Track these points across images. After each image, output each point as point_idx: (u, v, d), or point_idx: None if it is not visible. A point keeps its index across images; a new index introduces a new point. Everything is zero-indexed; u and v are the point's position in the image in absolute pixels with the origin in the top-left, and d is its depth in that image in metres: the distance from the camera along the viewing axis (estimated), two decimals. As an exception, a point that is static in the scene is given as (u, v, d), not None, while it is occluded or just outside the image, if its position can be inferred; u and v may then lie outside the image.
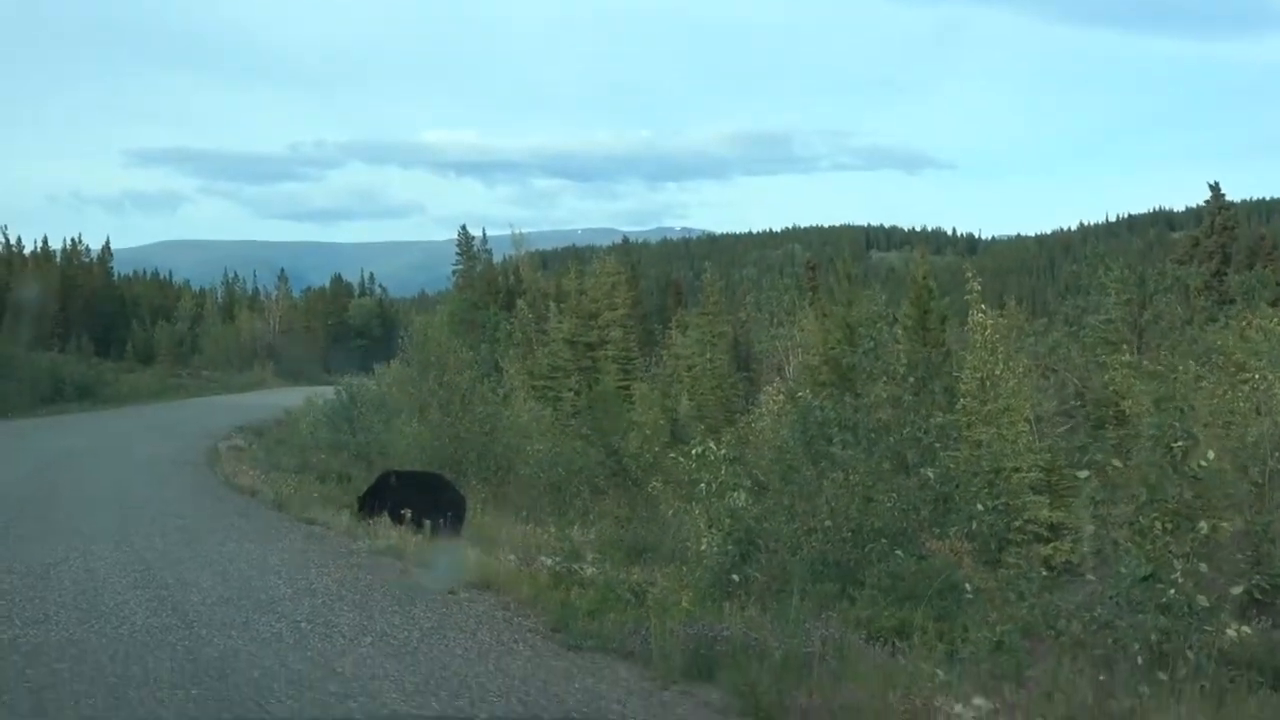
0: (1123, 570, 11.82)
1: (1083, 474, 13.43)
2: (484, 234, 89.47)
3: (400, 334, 70.46)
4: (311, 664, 10.98)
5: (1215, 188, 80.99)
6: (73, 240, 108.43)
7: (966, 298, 37.11)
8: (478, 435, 37.06)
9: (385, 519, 22.10)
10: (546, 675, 10.88)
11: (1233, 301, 66.02)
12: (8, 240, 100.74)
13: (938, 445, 19.38)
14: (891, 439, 19.44)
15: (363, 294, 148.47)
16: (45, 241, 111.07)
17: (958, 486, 19.16)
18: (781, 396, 46.34)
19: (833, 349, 41.51)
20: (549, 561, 17.68)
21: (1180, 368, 35.44)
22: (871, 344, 20.19)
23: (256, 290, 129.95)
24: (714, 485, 18.33)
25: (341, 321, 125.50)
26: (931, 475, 18.44)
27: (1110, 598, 12.22)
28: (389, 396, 48.06)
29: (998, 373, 32.75)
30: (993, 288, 72.58)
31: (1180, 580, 11.61)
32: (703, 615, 12.74)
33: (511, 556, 18.32)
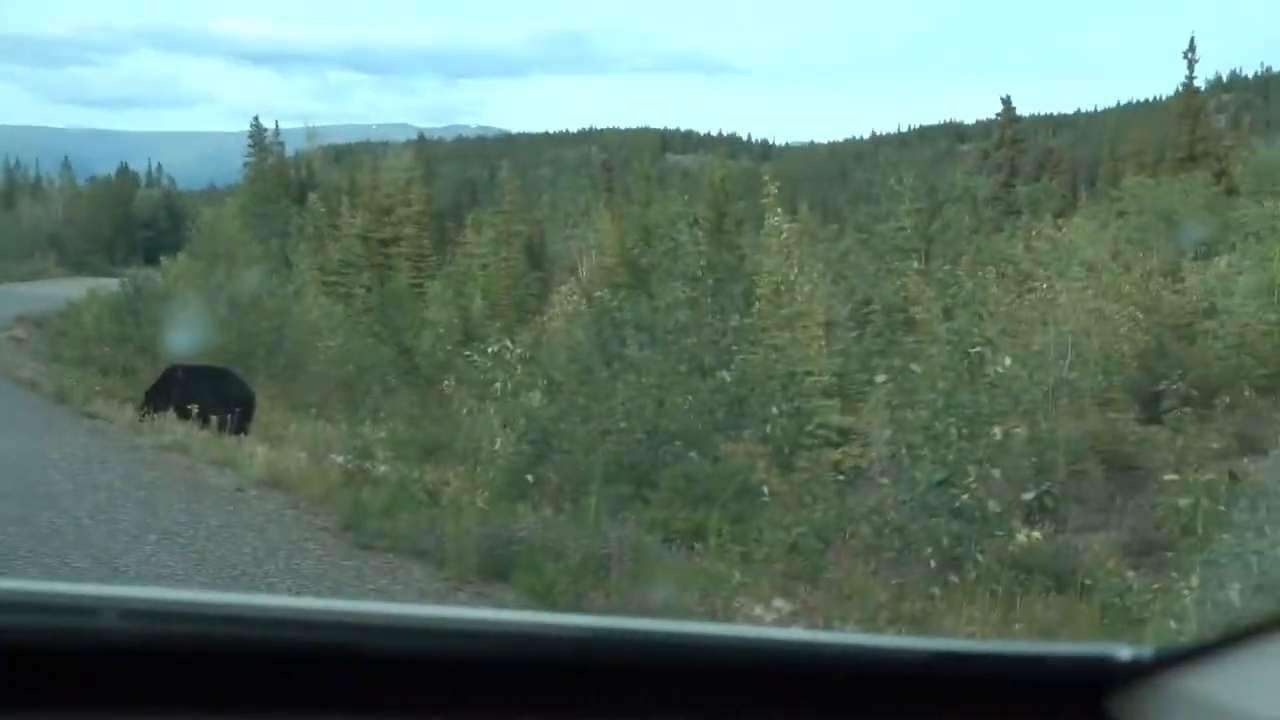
0: (918, 475, 11.92)
1: (880, 378, 13.51)
2: (277, 126, 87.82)
3: (189, 226, 69.30)
4: (94, 561, 10.65)
5: (1006, 101, 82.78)
6: None
7: (763, 201, 37.28)
8: (266, 331, 36.39)
9: (171, 415, 21.63)
10: (338, 574, 10.68)
11: (1019, 213, 67.58)
12: None
13: (734, 348, 19.43)
14: (689, 341, 19.44)
15: (150, 185, 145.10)
16: None
17: (753, 390, 19.22)
18: (576, 297, 46.25)
19: (629, 250, 41.53)
20: (340, 460, 17.41)
21: (976, 274, 36.07)
22: (671, 244, 20.07)
23: (39, 178, 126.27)
24: (509, 385, 18.17)
25: (127, 212, 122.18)
26: (728, 378, 18.46)
27: (904, 502, 12.34)
28: (176, 290, 47.00)
29: (792, 278, 32.96)
30: (786, 194, 73.05)
31: (974, 485, 11.74)
32: (497, 516, 12.60)
33: (302, 454, 18.01)
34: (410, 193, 64.18)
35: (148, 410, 21.84)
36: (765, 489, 13.33)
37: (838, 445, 26.19)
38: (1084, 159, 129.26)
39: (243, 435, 21.43)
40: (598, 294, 24.10)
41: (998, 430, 11.97)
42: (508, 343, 18.64)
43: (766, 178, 38.66)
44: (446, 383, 34.95)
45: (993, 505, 11.78)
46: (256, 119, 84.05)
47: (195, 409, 21.89)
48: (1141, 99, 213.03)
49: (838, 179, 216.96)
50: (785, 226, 35.22)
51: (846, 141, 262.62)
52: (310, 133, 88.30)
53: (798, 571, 11.35)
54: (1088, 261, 33.86)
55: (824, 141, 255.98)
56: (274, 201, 70.22)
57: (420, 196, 65.69)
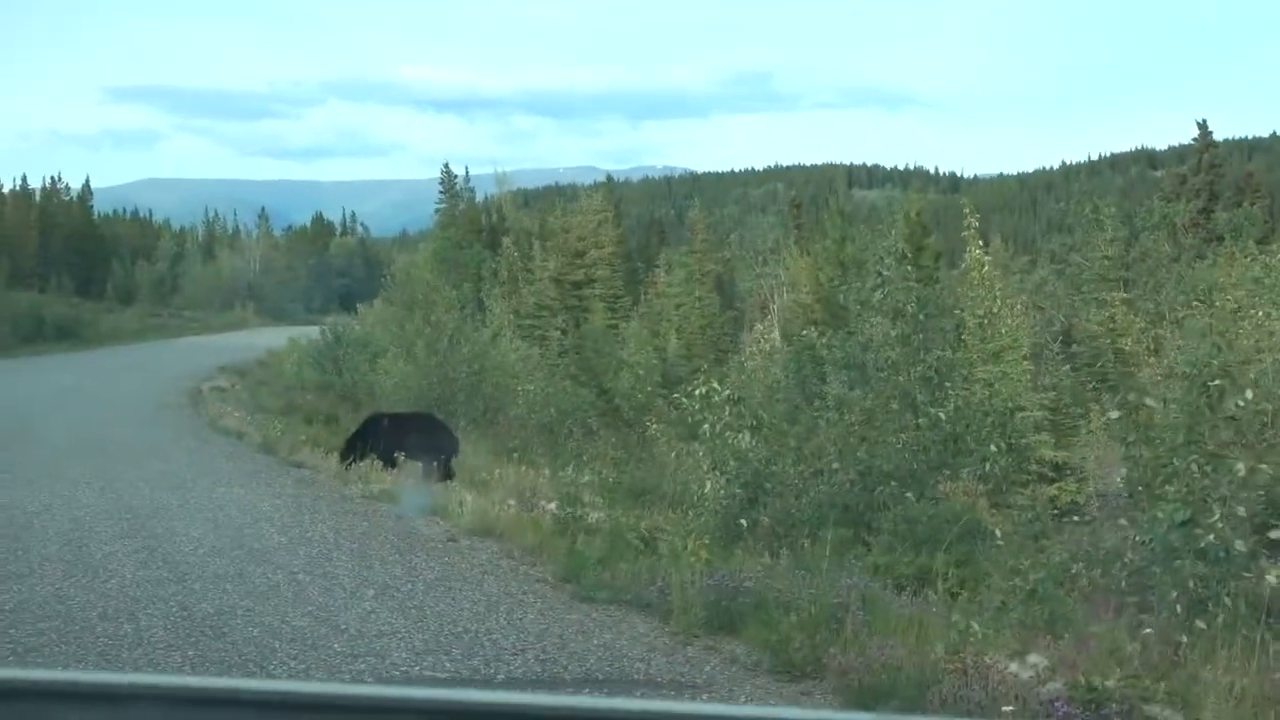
0: (1159, 514, 11.26)
1: (1113, 414, 12.89)
2: (466, 172, 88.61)
3: (383, 273, 70.06)
4: (313, 620, 10.41)
5: (1203, 125, 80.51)
6: (52, 179, 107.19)
7: (964, 234, 36.56)
8: (466, 375, 36.40)
9: (373, 463, 21.56)
10: (562, 630, 10.33)
11: (1220, 239, 65.65)
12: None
13: (948, 384, 18.87)
14: (900, 378, 18.91)
15: (344, 233, 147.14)
16: (24, 180, 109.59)
17: (968, 427, 18.63)
18: (773, 335, 45.83)
19: (826, 286, 40.98)
20: (551, 507, 17.15)
21: (1193, 304, 35.04)
22: (880, 279, 19.58)
23: (237, 229, 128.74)
24: (718, 426, 17.76)
25: (323, 261, 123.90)
26: (942, 415, 17.89)
27: (1145, 543, 11.70)
28: (373, 336, 47.45)
29: (995, 310, 32.23)
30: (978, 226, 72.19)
31: (1220, 525, 11.08)
32: (717, 563, 12.20)
33: (511, 502, 17.79)
34: (602, 234, 64.26)
35: (350, 459, 21.82)
36: (997, 531, 12.77)
37: (1052, 481, 25.51)
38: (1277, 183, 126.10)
39: (448, 483, 21.33)
40: (804, 332, 23.56)
41: (1241, 466, 11.27)
42: (715, 384, 18.20)
43: (966, 210, 37.85)
44: (649, 424, 34.80)
45: (1239, 545, 11.09)
46: (447, 165, 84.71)
47: (401, 456, 21.90)
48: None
49: (1028, 210, 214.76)
50: (986, 258, 34.54)
51: (1036, 172, 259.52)
52: (499, 178, 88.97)
53: (1036, 620, 10.78)
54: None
55: (1013, 172, 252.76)
56: (466, 247, 70.70)
57: (611, 238, 65.73)
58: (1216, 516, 11.27)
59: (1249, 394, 11.95)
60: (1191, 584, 11.10)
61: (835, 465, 17.68)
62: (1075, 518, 24.40)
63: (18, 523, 14.90)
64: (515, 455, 29.90)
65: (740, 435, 17.80)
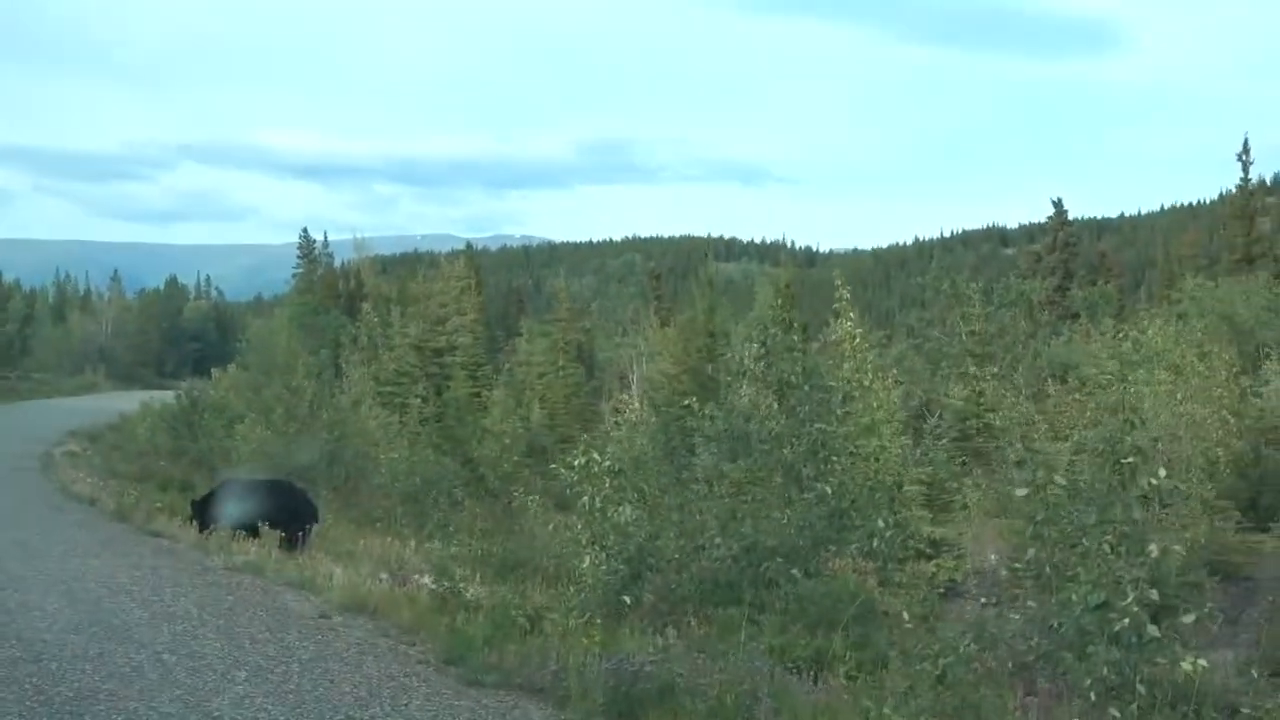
0: (1074, 598, 10.84)
1: (1020, 491, 12.50)
2: (325, 237, 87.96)
3: (239, 338, 69.10)
4: (183, 705, 9.62)
5: (1058, 204, 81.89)
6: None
7: (835, 305, 36.33)
8: (327, 442, 35.58)
9: (235, 533, 20.75)
10: (451, 718, 9.65)
11: (1076, 316, 66.52)
12: None
13: (834, 458, 18.44)
14: (784, 451, 18.45)
15: (198, 297, 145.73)
16: None
17: (853, 502, 18.20)
18: (637, 405, 45.31)
19: (694, 356, 40.63)
20: (425, 581, 16.48)
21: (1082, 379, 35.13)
22: (763, 350, 19.15)
23: (89, 291, 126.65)
24: (596, 499, 17.16)
25: (175, 325, 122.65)
26: (829, 489, 17.45)
27: (1055, 627, 11.28)
28: (229, 401, 46.45)
29: (866, 383, 31.97)
30: (829, 300, 72.76)
31: (1134, 609, 10.69)
32: (607, 643, 11.59)
33: (384, 575, 17.08)
34: (464, 301, 63.62)
35: (210, 528, 21.00)
36: (905, 614, 12.26)
37: (930, 558, 25.19)
38: (1129, 262, 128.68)
39: (301, 551, 20.61)
40: (684, 402, 23.02)
41: (1154, 547, 10.89)
42: (595, 454, 17.60)
43: (839, 281, 37.67)
44: (518, 496, 34.12)
45: (1153, 630, 10.70)
46: (305, 230, 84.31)
47: (263, 525, 21.15)
48: (1185, 202, 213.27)
49: (882, 284, 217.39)
50: (857, 331, 34.28)
51: (890, 247, 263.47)
52: (358, 243, 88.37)
53: (945, 706, 10.29)
54: (1174, 363, 32.79)
55: (868, 247, 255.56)
56: (323, 312, 69.95)
57: (474, 305, 65.15)
58: (1130, 599, 10.89)
59: (1162, 472, 11.62)
60: (1105, 670, 10.70)
61: (717, 540, 17.12)
62: (961, 596, 24.15)
63: None
64: (379, 525, 29.21)
65: (621, 508, 17.22)
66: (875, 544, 17.06)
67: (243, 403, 45.91)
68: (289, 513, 21.80)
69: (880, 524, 17.01)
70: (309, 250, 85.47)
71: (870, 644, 13.32)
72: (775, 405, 19.03)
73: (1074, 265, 79.49)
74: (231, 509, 21.37)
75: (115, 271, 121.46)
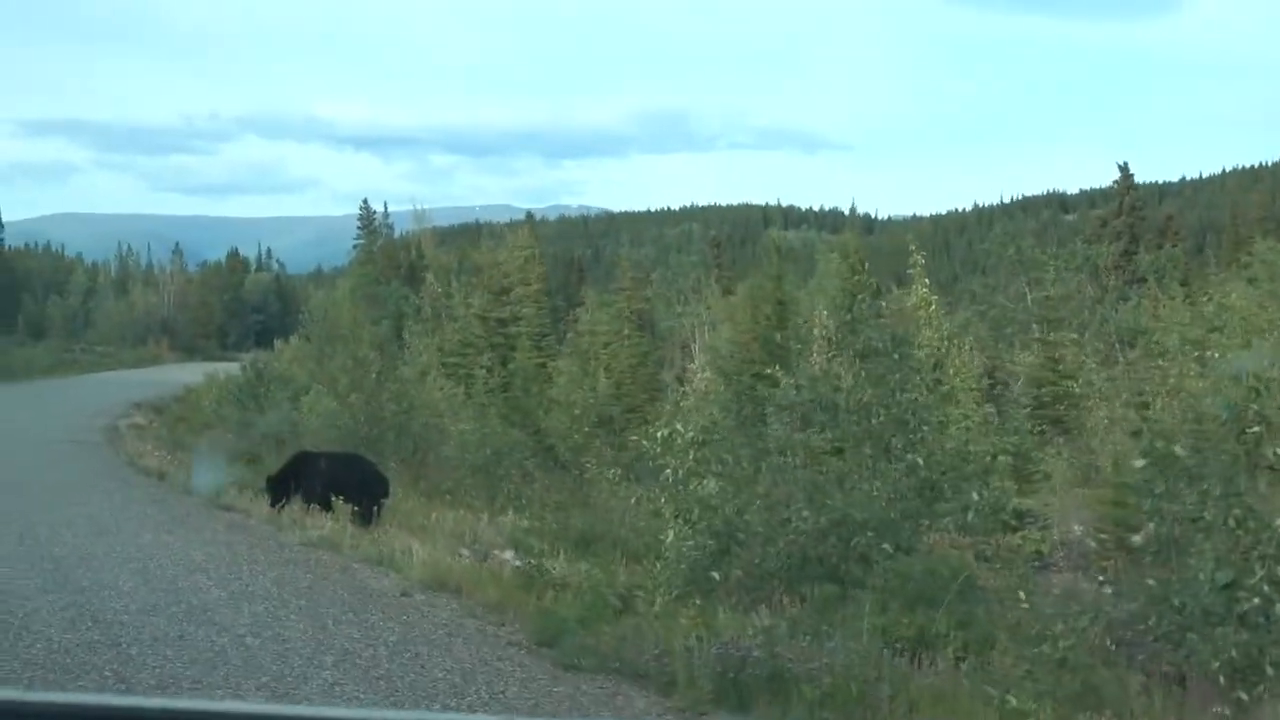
0: (1200, 577, 10.26)
1: (1138, 462, 11.91)
2: (385, 208, 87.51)
3: (300, 310, 68.81)
4: (270, 694, 9.17)
5: (1124, 168, 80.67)
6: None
7: (910, 271, 35.71)
8: (393, 414, 35.14)
9: (307, 506, 20.40)
10: (553, 706, 9.17)
11: (1143, 280, 65.43)
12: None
13: (925, 428, 17.86)
14: (873, 421, 17.88)
15: (259, 269, 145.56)
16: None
17: (943, 473, 17.62)
18: (706, 374, 44.77)
19: (763, 324, 40.01)
20: (508, 556, 16.04)
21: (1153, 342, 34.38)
22: (849, 317, 18.58)
23: (150, 265, 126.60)
24: (680, 472, 16.66)
25: (237, 297, 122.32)
26: (921, 461, 16.87)
27: (1178, 607, 10.71)
28: (293, 373, 46.20)
29: (943, 350, 31.45)
30: (889, 267, 72.13)
31: (1265, 588, 10.12)
32: (706, 623, 11.07)
33: (464, 551, 16.64)
34: (528, 271, 63.11)
35: (282, 501, 20.66)
36: (1021, 594, 11.70)
37: (1014, 529, 24.58)
38: (1192, 226, 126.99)
39: (374, 525, 20.26)
40: (767, 370, 22.45)
41: (1280, 521, 10.31)
42: (679, 425, 17.10)
43: (913, 246, 37.01)
44: (588, 466, 33.64)
45: (1280, 609, 10.13)
46: (365, 201, 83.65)
47: (338, 499, 20.80)
48: (1248, 165, 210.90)
49: (942, 251, 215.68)
50: (933, 297, 33.77)
51: (949, 214, 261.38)
52: (418, 215, 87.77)
53: (1068, 690, 9.74)
54: (1260, 327, 31.97)
55: (926, 214, 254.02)
56: (384, 283, 69.50)
57: (538, 275, 64.62)
58: (1258, 577, 10.32)
59: (1290, 441, 11.04)
60: (1233, 651, 10.14)
61: (805, 513, 16.56)
62: (1048, 569, 23.53)
63: (-72, 576, 13.52)
64: (449, 497, 28.76)
65: (705, 481, 16.71)
66: (970, 517, 16.49)
67: (306, 374, 45.68)
68: (362, 486, 21.41)
69: (975, 496, 16.43)
70: (369, 222, 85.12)
71: (974, 622, 12.75)
72: (861, 373, 18.47)
73: (1140, 230, 78.26)
74: (305, 483, 21.01)
75: (177, 244, 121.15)
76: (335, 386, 37.67)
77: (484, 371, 48.02)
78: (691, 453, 16.83)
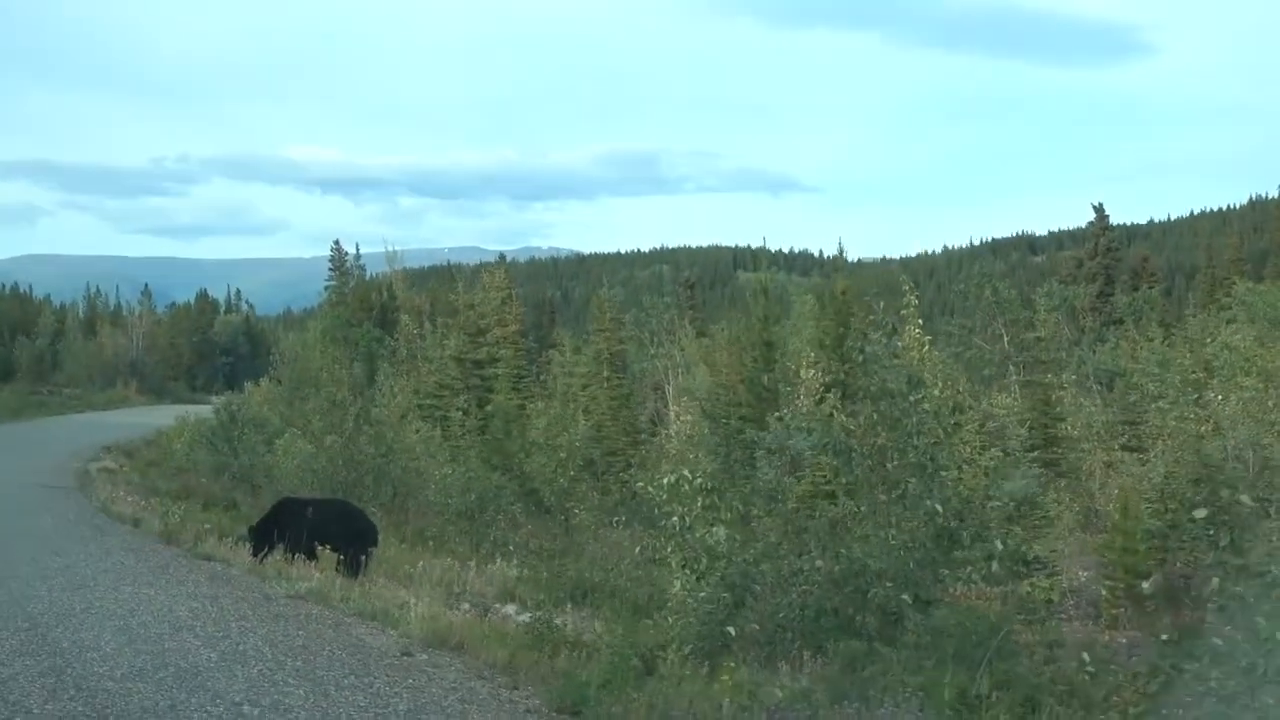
0: (1261, 631, 9.49)
1: (1200, 512, 11.16)
2: (357, 249, 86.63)
3: (271, 352, 68.17)
4: (277, 775, 8.30)
5: (1099, 209, 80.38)
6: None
7: (903, 311, 35.00)
8: (373, 457, 34.26)
9: (289, 556, 19.56)
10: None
11: (1120, 322, 65.03)
12: None
13: (944, 472, 17.06)
14: (889, 466, 17.10)
15: (229, 310, 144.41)
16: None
17: (961, 520, 16.82)
18: (689, 418, 43.93)
19: (749, 367, 39.17)
20: (510, 611, 15.20)
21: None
22: (861, 357, 17.80)
23: (119, 306, 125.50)
24: (688, 519, 15.86)
25: (206, 339, 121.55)
26: (939, 508, 16.07)
27: (1245, 668, 9.91)
28: (265, 416, 45.31)
29: (937, 392, 30.61)
30: (858, 309, 71.86)
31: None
32: (732, 685, 10.24)
33: (466, 606, 15.78)
34: (505, 312, 62.20)
35: (264, 551, 19.83)
36: (1085, 655, 10.90)
37: (1022, 576, 23.80)
38: (1162, 268, 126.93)
39: (361, 575, 19.47)
40: (778, 415, 21.65)
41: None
42: (685, 471, 16.29)
43: (906, 286, 36.36)
44: (576, 511, 32.83)
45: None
46: (337, 242, 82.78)
47: (321, 547, 20.03)
48: (1215, 208, 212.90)
49: (910, 293, 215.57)
50: (927, 338, 33.03)
51: (918, 256, 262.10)
52: (390, 256, 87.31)
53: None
54: (1264, 369, 31.33)
55: (895, 256, 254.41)
56: (356, 325, 68.92)
57: (515, 316, 63.75)
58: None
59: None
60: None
61: (818, 562, 15.74)
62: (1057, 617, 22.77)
63: (-109, 637, 12.55)
64: (431, 544, 27.93)
65: (714, 529, 15.89)
66: (994, 567, 15.67)
67: (278, 417, 44.89)
68: (349, 534, 20.57)
69: (999, 545, 15.62)
70: (341, 263, 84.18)
71: (1015, 682, 11.92)
72: (873, 415, 17.66)
73: (1115, 271, 77.88)
74: (290, 532, 20.15)
75: (146, 285, 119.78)
76: (309, 429, 36.86)
77: (460, 414, 47.22)
78: (700, 499, 16.02)
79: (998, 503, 22.89)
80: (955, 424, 20.78)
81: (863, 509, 16.78)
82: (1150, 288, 79.80)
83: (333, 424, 35.52)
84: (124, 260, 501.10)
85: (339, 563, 19.73)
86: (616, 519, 32.21)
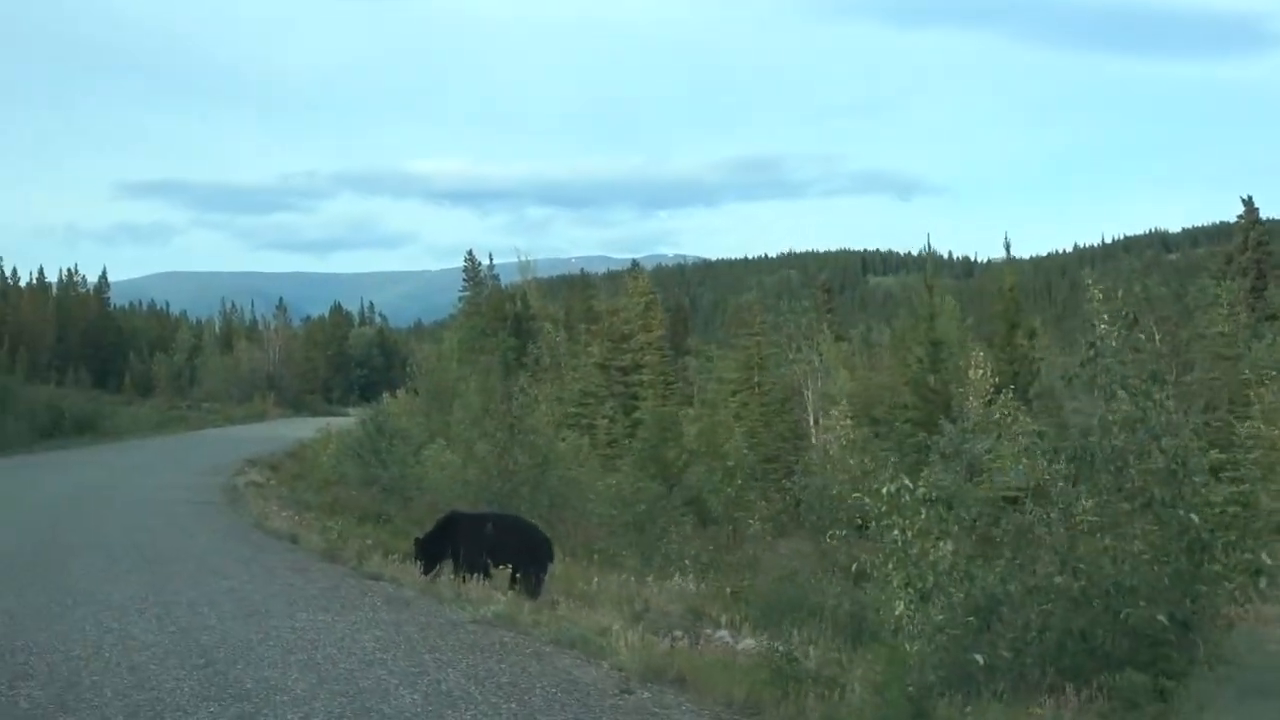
0: None
1: None
2: (491, 260, 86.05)
3: (407, 363, 67.80)
4: None
5: (1248, 202, 77.72)
6: (69, 271, 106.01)
7: (1087, 306, 33.25)
8: (528, 467, 33.04)
9: (462, 575, 18.21)
10: None
11: (1274, 317, 62.73)
12: (3, 272, 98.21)
13: (1196, 478, 15.38)
14: (1133, 471, 15.45)
15: (362, 323, 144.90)
16: (41, 273, 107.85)
17: (1213, 531, 15.13)
18: (848, 422, 42.31)
19: (915, 368, 37.46)
20: (724, 636, 13.72)
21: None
22: (1092, 352, 16.20)
23: (254, 320, 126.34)
24: (909, 533, 14.33)
25: (341, 351, 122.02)
26: (1196, 518, 14.41)
27: None
28: (408, 428, 44.44)
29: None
30: (990, 311, 70.86)
31: None
32: None
33: (679, 633, 14.31)
34: (650, 317, 60.83)
35: (431, 567, 18.55)
36: None
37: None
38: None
39: (539, 596, 18.17)
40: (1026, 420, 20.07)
41: None
42: (906, 480, 14.77)
43: (1089, 280, 34.53)
44: (750, 522, 31.43)
45: None
46: (470, 253, 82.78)
47: (495, 565, 18.78)
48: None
49: (1043, 293, 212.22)
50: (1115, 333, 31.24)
51: (1049, 255, 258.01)
52: (523, 265, 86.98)
53: None
54: None
55: (1026, 256, 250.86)
56: (491, 334, 68.47)
57: (659, 321, 62.40)
58: None
59: None
60: None
61: (1057, 579, 14.12)
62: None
63: (61, 677, 11.11)
64: (596, 557, 26.62)
65: (941, 544, 14.33)
66: (1263, 584, 13.97)
67: (416, 428, 44.06)
68: (528, 551, 19.22)
69: (1266, 559, 13.92)
70: (475, 273, 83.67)
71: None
72: (1109, 417, 16.02)
73: (1266, 265, 75.21)
74: (465, 548, 18.83)
75: (280, 299, 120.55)
76: (457, 439, 35.89)
77: (606, 421, 46.08)
78: (924, 511, 14.47)
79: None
80: (1205, 423, 19.10)
81: (1091, 519, 15.09)
82: (1304, 281, 77.30)
83: (485, 432, 34.45)
84: (256, 276, 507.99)
85: (512, 581, 18.41)
86: (779, 527, 30.91)
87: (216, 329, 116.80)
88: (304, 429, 61.43)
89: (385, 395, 66.57)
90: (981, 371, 34.23)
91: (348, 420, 60.31)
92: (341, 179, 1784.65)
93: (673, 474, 36.39)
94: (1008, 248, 67.95)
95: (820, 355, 61.58)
